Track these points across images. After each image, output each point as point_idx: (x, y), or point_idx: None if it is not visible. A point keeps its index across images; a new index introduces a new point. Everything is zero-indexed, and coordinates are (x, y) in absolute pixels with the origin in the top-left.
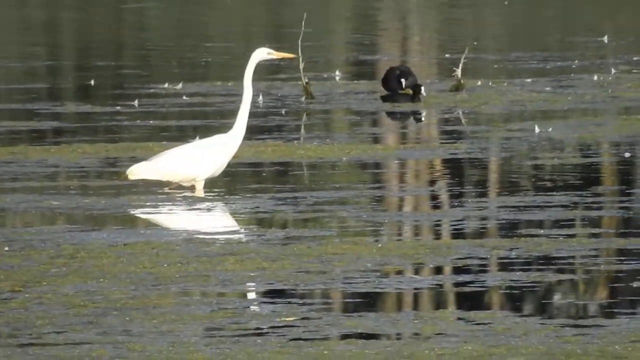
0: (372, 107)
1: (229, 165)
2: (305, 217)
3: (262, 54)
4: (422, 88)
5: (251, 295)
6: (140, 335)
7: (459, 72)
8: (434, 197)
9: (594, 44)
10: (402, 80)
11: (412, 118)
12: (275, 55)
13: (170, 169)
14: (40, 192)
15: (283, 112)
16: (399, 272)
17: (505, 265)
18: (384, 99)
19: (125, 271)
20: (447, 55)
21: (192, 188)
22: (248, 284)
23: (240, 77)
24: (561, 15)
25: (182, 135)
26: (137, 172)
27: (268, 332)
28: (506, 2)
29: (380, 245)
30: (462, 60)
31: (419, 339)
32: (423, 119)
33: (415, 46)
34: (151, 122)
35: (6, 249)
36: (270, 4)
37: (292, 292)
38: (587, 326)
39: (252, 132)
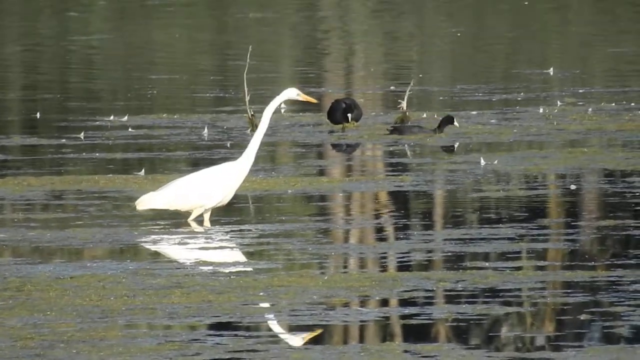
0: (317, 139)
1: None
2: (251, 250)
3: (292, 93)
4: (455, 121)
5: (198, 328)
6: None
7: (404, 104)
8: (380, 230)
9: (539, 76)
10: (349, 115)
11: (443, 149)
12: (302, 97)
13: (178, 198)
14: None
15: (228, 145)
16: (345, 305)
17: (451, 298)
18: (392, 131)
19: (72, 304)
20: (392, 88)
21: (200, 217)
22: (194, 316)
23: (185, 110)
24: (507, 47)
25: (128, 168)
26: (145, 202)
27: None
28: (459, 34)
29: (326, 277)
30: (407, 93)
31: None
32: (455, 148)
33: (360, 78)
34: (97, 154)
35: None
36: (216, 38)
37: (239, 324)
38: (534, 359)
39: (198, 164)
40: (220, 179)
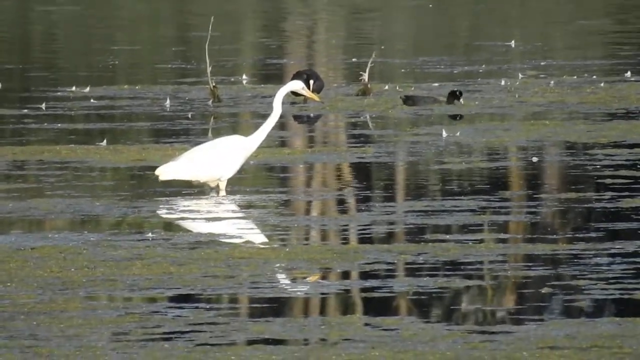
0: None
1: (135, 169)
2: (213, 221)
3: (297, 85)
4: (462, 98)
5: (158, 300)
6: (47, 340)
7: (365, 76)
8: (342, 202)
9: (501, 48)
10: (310, 82)
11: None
12: (305, 93)
13: (200, 169)
14: None
15: (190, 116)
16: (307, 277)
17: (412, 271)
18: (405, 100)
19: (33, 275)
20: (354, 59)
21: (216, 188)
22: (155, 288)
23: (147, 81)
24: (469, 19)
25: (90, 138)
26: (166, 172)
27: (175, 337)
28: (430, 6)
29: (287, 249)
30: (369, 64)
31: (325, 344)
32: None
33: (322, 50)
34: (58, 125)
35: None
36: (178, 10)
37: (199, 296)
38: (495, 332)
39: (159, 135)
40: (236, 153)
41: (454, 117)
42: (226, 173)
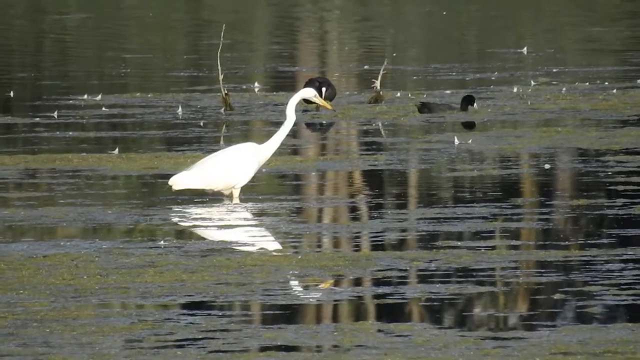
0: None
1: (147, 177)
2: (225, 229)
3: (309, 93)
4: (475, 103)
5: (171, 307)
6: (60, 347)
7: (378, 83)
8: (354, 209)
9: (513, 55)
10: (323, 89)
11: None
12: (318, 100)
13: (214, 178)
14: None
15: (202, 124)
16: (319, 284)
17: (424, 277)
18: (420, 108)
19: (45, 283)
20: (366, 67)
21: (229, 196)
22: (167, 295)
23: (158, 89)
24: (481, 26)
25: (102, 147)
26: (180, 182)
27: (188, 344)
28: (444, 13)
29: (300, 256)
30: (381, 72)
31: (338, 351)
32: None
33: (334, 57)
34: (70, 133)
35: None
36: (190, 18)
37: (212, 303)
38: (507, 338)
39: (171, 143)
40: (249, 160)
41: (467, 126)
42: (241, 180)
